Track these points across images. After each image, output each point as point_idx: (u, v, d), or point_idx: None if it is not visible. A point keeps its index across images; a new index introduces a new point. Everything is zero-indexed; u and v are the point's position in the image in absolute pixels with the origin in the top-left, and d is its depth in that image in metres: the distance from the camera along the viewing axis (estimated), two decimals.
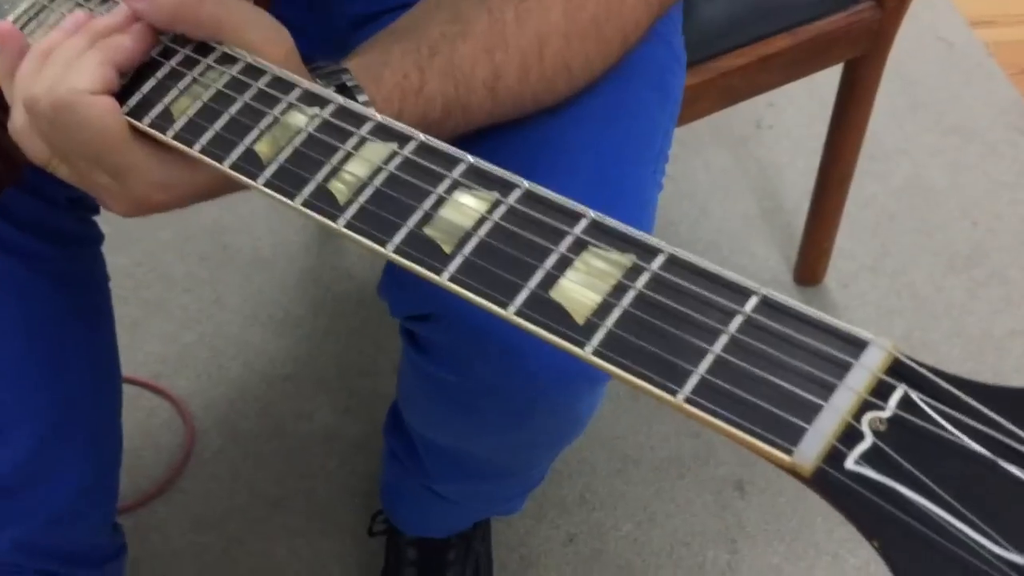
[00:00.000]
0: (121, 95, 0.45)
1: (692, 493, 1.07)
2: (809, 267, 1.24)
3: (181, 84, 0.44)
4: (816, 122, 1.31)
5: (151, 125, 0.44)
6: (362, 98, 0.50)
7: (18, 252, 0.65)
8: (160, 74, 0.45)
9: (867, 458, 0.28)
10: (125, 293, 1.17)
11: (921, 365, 0.29)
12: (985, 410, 0.27)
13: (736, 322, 0.30)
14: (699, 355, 0.30)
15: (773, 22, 0.92)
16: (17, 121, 0.46)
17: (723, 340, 0.30)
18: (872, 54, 0.98)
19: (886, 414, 0.28)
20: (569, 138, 0.59)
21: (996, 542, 0.26)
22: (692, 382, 0.30)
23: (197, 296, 1.18)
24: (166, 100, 0.44)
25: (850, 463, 0.28)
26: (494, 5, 0.52)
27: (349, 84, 0.50)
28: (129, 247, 1.21)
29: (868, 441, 0.28)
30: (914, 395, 0.28)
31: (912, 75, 1.54)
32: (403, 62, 0.50)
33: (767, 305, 0.31)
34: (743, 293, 0.31)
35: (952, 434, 0.27)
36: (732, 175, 1.40)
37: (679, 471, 1.08)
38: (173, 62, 0.45)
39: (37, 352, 0.69)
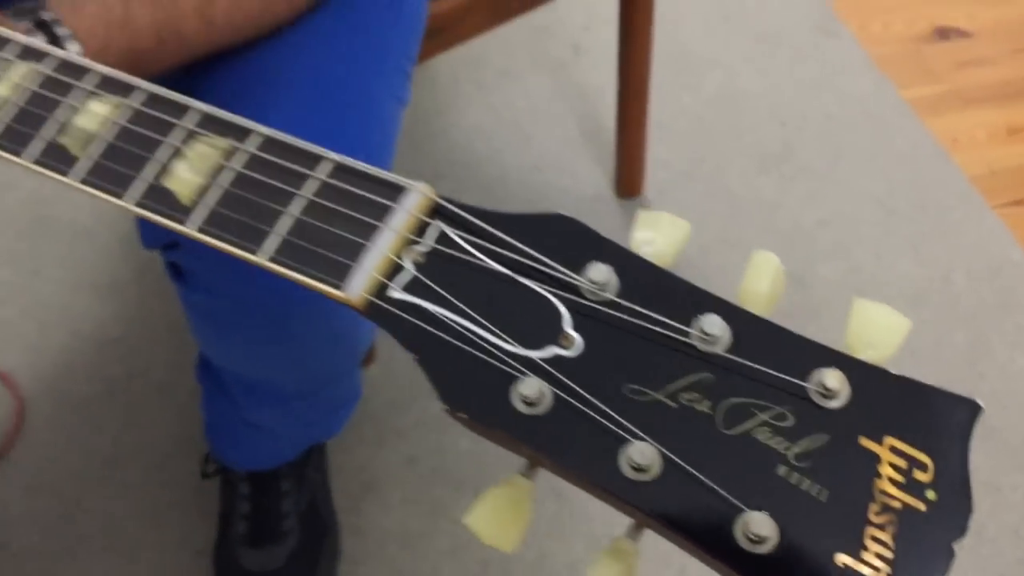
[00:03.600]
0: None
1: None
2: (627, 180, 1.29)
3: None
4: None
5: None
6: (62, 31, 0.51)
7: None
8: None
9: (408, 287, 0.31)
10: None
11: (453, 203, 0.32)
12: (507, 238, 0.31)
13: (310, 188, 0.33)
14: (278, 218, 0.33)
15: None
16: None
17: (299, 203, 0.33)
18: None
19: (424, 248, 0.32)
20: (292, 59, 0.61)
21: (509, 342, 0.30)
22: (274, 243, 0.33)
23: (17, 270, 1.17)
24: None
25: (394, 292, 0.31)
26: None
27: (47, 19, 0.51)
28: None
29: (410, 273, 0.31)
30: (449, 230, 0.31)
31: None
32: None
33: (338, 168, 0.34)
34: (318, 159, 0.34)
35: (480, 259, 0.31)
36: (552, 100, 1.43)
37: None
38: None
39: None
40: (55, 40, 0.51)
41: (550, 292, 0.30)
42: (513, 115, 1.41)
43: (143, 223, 0.64)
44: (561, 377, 0.29)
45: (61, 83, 0.38)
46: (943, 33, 1.54)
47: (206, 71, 0.61)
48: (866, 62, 1.50)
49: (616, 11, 1.11)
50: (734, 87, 1.45)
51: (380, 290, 0.31)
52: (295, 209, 0.33)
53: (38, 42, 0.40)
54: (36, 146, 0.38)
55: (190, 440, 1.05)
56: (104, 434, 1.06)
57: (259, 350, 0.69)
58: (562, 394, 0.29)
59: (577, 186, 1.34)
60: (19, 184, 1.26)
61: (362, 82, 0.64)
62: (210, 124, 0.36)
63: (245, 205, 0.34)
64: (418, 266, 0.31)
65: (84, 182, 0.37)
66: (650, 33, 1.11)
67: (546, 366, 0.29)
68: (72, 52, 0.50)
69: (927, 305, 1.21)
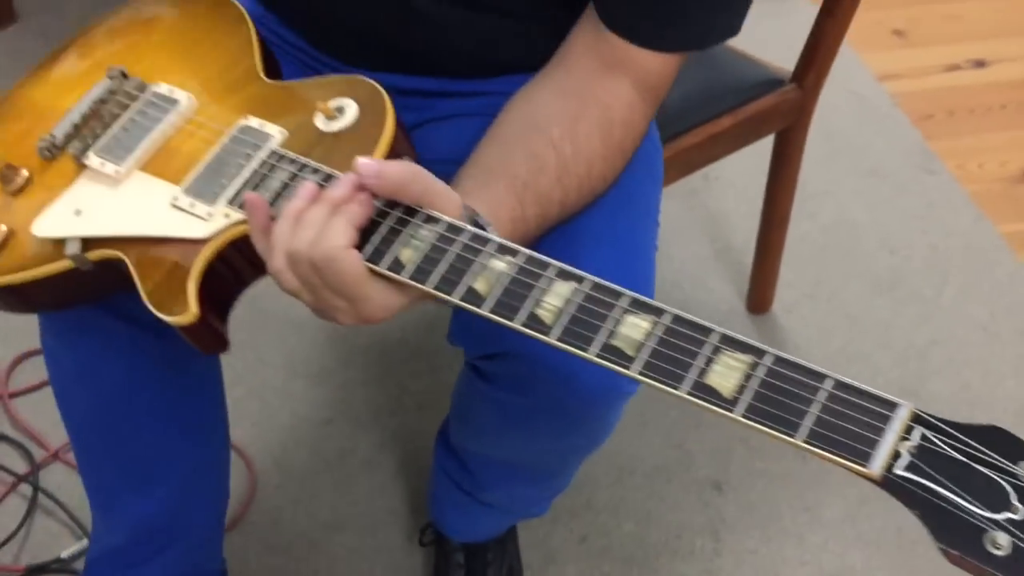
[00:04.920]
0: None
1: (679, 494, 1.28)
2: (758, 298, 1.47)
3: (402, 238, 0.62)
4: (755, 172, 1.54)
5: (388, 269, 0.61)
6: (490, 229, 0.67)
7: (164, 332, 0.84)
8: (383, 230, 0.62)
9: (907, 468, 0.49)
10: None
11: (928, 415, 0.50)
12: (964, 438, 0.48)
13: (822, 395, 0.51)
14: (803, 414, 0.51)
15: (717, 106, 1.15)
16: (277, 264, 0.63)
17: (817, 406, 0.51)
18: (797, 124, 1.22)
19: (913, 443, 0.49)
20: (596, 223, 0.79)
21: (980, 507, 0.47)
22: (804, 432, 0.50)
23: (242, 357, 1.37)
24: (394, 250, 0.61)
25: (898, 471, 0.49)
26: (556, 143, 0.72)
27: (479, 220, 0.68)
28: None
29: (907, 458, 0.49)
30: (928, 432, 0.49)
31: (831, 126, 1.79)
32: (508, 198, 0.69)
33: (840, 384, 0.51)
34: (823, 376, 0.51)
35: (948, 452, 0.48)
36: (687, 222, 1.62)
37: (667, 476, 1.29)
38: (391, 221, 0.63)
39: (180, 411, 0.88)
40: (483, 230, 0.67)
41: (998, 476, 0.47)
42: None
43: (463, 339, 0.82)
44: (1015, 531, 0.46)
45: (602, 300, 0.57)
46: None
47: None
48: (964, 198, 1.68)
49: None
50: (846, 217, 1.64)
51: (888, 469, 0.49)
52: (815, 409, 0.50)
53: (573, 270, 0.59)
54: (595, 346, 0.55)
55: (396, 511, 1.23)
56: (323, 503, 1.24)
57: (536, 440, 0.85)
58: (1018, 543, 0.45)
59: (712, 300, 1.52)
60: None
61: (640, 237, 0.83)
62: (730, 343, 0.53)
63: (774, 403, 0.51)
64: (910, 454, 0.49)
65: (641, 374, 0.54)
66: (795, 179, 1.30)
67: (1004, 523, 0.46)
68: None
69: None
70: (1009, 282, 1.55)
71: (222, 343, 0.71)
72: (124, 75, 0.79)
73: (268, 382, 1.35)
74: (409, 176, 0.62)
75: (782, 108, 1.18)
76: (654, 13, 0.74)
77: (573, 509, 1.25)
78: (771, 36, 1.34)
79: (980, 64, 1.96)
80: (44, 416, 1.29)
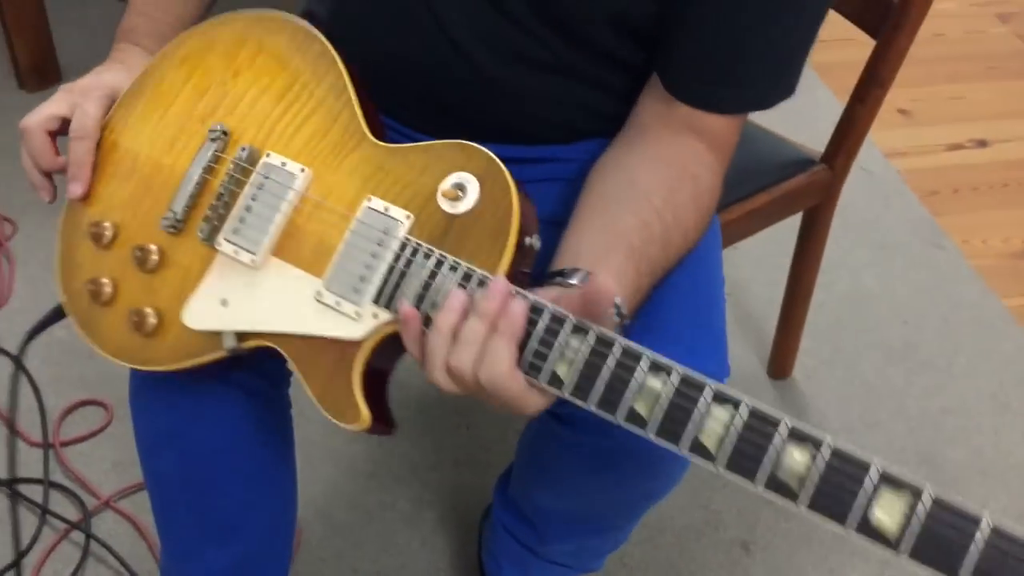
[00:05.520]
0: None
1: (708, 553, 1.32)
2: (780, 365, 1.53)
3: (555, 350, 0.62)
4: (773, 243, 1.61)
5: (549, 384, 0.63)
6: (618, 299, 0.68)
7: (252, 389, 0.89)
8: (534, 342, 0.63)
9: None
10: None
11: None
12: None
13: (981, 535, 0.53)
14: (964, 552, 0.53)
15: (753, 184, 1.22)
16: (438, 377, 0.64)
17: (976, 546, 0.52)
18: (825, 202, 1.29)
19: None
20: (675, 285, 0.82)
21: None
22: (967, 569, 0.52)
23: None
24: (550, 364, 0.62)
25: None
26: (659, 211, 0.76)
27: (617, 303, 0.69)
28: None
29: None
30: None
31: (843, 201, 1.86)
32: (628, 268, 0.72)
33: (997, 531, 0.53)
34: (975, 519, 0.53)
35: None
36: None
37: (696, 536, 1.33)
38: (540, 331, 0.63)
39: (264, 469, 0.92)
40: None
41: None
42: None
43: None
44: None
45: (760, 430, 0.57)
46: None
47: None
48: (971, 272, 1.75)
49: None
50: (859, 288, 1.71)
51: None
52: (975, 550, 0.52)
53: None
54: (761, 477, 0.57)
55: (437, 565, 1.27)
56: (366, 554, 1.27)
57: (614, 484, 0.88)
58: None
59: (734, 367, 1.53)
60: None
61: (715, 298, 0.88)
62: (887, 480, 0.54)
63: (934, 544, 0.53)
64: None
65: (809, 508, 0.56)
66: (821, 254, 1.37)
67: None
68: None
69: None
70: (1017, 354, 1.61)
71: (390, 425, 0.74)
72: (225, 133, 0.78)
73: (309, 436, 1.39)
74: (582, 310, 0.64)
75: (813, 187, 1.25)
76: (717, 80, 0.80)
77: (607, 567, 1.28)
78: (789, 112, 1.42)
79: (982, 144, 2.05)
80: (95, 464, 1.33)
